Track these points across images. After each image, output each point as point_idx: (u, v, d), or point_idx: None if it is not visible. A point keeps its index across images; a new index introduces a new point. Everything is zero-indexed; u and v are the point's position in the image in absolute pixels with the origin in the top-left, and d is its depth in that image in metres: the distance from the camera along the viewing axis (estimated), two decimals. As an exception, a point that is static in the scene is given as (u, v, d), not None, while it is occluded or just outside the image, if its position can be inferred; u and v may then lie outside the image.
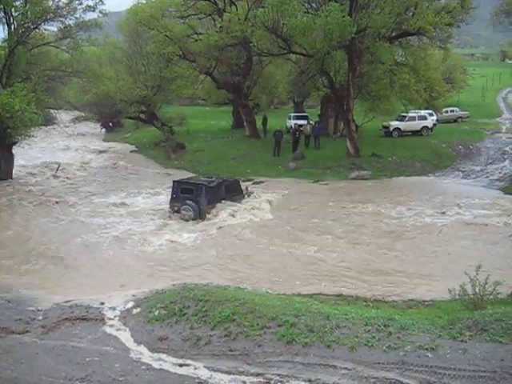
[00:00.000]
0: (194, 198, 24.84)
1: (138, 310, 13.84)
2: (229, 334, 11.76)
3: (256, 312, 12.29)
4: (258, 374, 10.49)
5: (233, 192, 26.63)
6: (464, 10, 35.15)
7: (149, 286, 15.84)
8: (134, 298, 14.80)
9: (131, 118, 49.25)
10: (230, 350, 11.32)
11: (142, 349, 11.91)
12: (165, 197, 28.23)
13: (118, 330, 12.95)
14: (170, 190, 26.45)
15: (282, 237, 21.93)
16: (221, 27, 38.52)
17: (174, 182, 26.52)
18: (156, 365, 11.13)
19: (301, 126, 41.65)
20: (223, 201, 25.70)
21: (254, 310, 12.39)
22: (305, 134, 40.87)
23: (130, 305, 14.27)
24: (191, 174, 32.49)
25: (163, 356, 11.52)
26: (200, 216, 24.67)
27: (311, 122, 44.24)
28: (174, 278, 17.37)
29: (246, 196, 27.66)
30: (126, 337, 12.55)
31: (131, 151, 46.58)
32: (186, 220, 24.67)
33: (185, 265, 19.27)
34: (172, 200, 25.87)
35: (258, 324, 11.86)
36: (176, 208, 25.38)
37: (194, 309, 12.94)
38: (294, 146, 38.44)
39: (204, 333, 11.99)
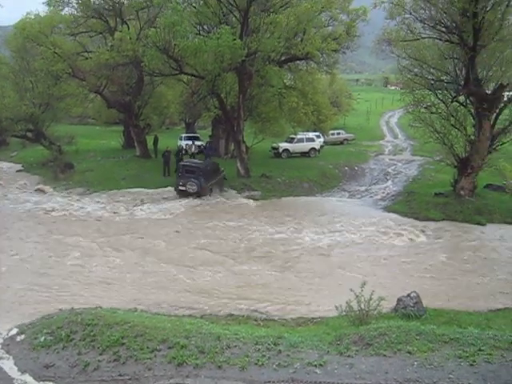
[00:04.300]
0: (196, 177, 32.14)
1: (23, 336, 13.36)
2: (118, 358, 11.61)
3: (146, 335, 12.20)
4: (148, 398, 10.44)
5: (216, 172, 34.24)
6: (349, 38, 37.14)
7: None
8: (18, 324, 14.26)
9: (17, 137, 47.69)
10: (120, 375, 11.17)
11: (27, 377, 11.53)
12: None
13: (0, 358, 12.43)
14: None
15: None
16: (112, 46, 38.09)
17: (179, 164, 34.07)
18: (42, 393, 10.82)
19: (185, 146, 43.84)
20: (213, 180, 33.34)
21: (144, 332, 12.30)
22: (189, 153, 41.93)
23: (14, 331, 13.75)
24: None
25: (49, 384, 11.21)
26: (201, 191, 32.09)
27: (196, 143, 45.42)
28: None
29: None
30: (9, 366, 12.08)
31: (17, 171, 44.58)
32: (190, 192, 32.09)
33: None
34: (178, 178, 32.87)
35: (148, 347, 11.78)
36: (181, 183, 32.33)
37: (81, 333, 12.66)
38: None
39: (92, 358, 11.76)
